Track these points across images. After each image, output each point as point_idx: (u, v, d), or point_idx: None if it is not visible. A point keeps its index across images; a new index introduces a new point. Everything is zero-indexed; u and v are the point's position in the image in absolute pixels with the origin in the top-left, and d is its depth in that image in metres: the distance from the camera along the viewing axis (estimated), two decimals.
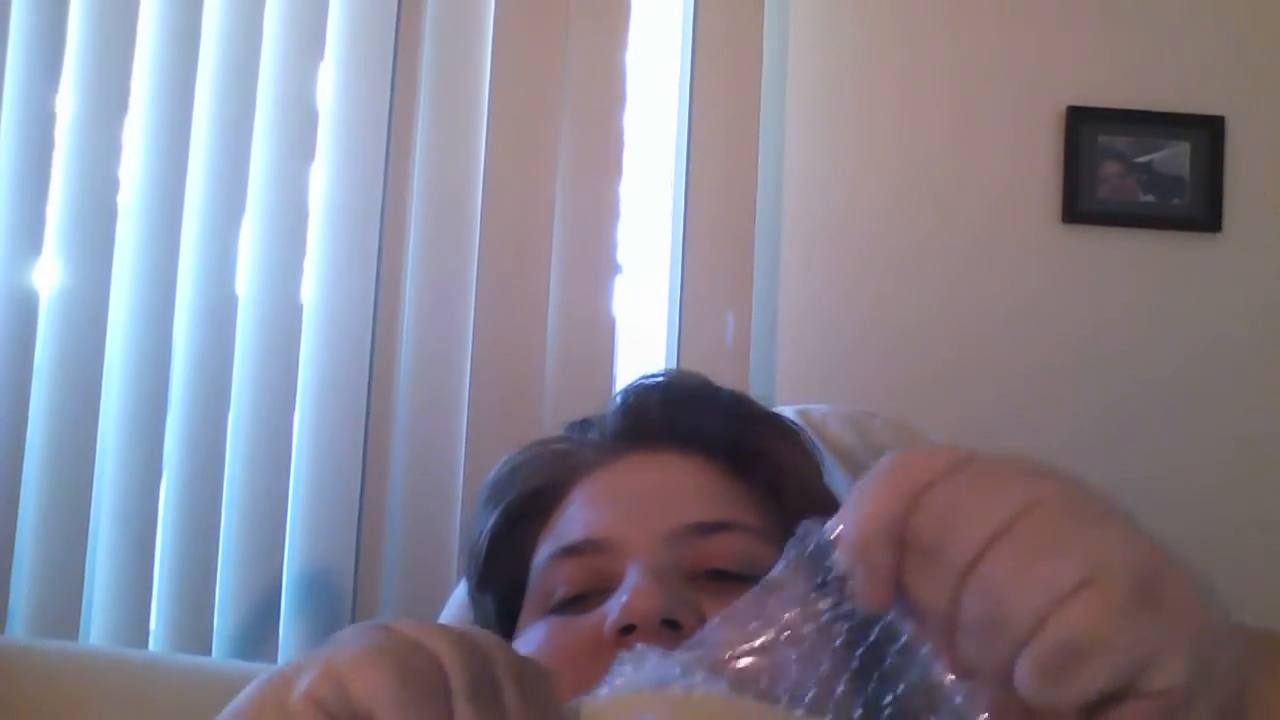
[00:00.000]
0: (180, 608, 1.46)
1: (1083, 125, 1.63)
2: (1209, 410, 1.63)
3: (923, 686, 0.45)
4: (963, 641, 0.42)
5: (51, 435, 1.44)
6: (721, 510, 0.72)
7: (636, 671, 0.49)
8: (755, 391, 1.29)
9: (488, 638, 0.48)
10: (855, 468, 1.19)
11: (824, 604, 0.47)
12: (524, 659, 0.48)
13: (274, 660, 1.46)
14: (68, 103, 1.47)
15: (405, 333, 1.52)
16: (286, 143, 1.52)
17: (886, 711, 0.47)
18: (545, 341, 1.53)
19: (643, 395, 0.81)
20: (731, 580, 0.67)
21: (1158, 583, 0.41)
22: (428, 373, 1.52)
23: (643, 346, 1.60)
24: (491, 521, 0.80)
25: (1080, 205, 1.63)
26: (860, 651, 0.47)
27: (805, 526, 0.49)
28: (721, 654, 0.49)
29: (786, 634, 0.49)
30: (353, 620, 1.48)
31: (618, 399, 0.82)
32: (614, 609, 0.64)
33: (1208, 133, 1.64)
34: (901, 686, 0.46)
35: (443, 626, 0.47)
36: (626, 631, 0.63)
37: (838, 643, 0.48)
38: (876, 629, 0.46)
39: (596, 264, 1.56)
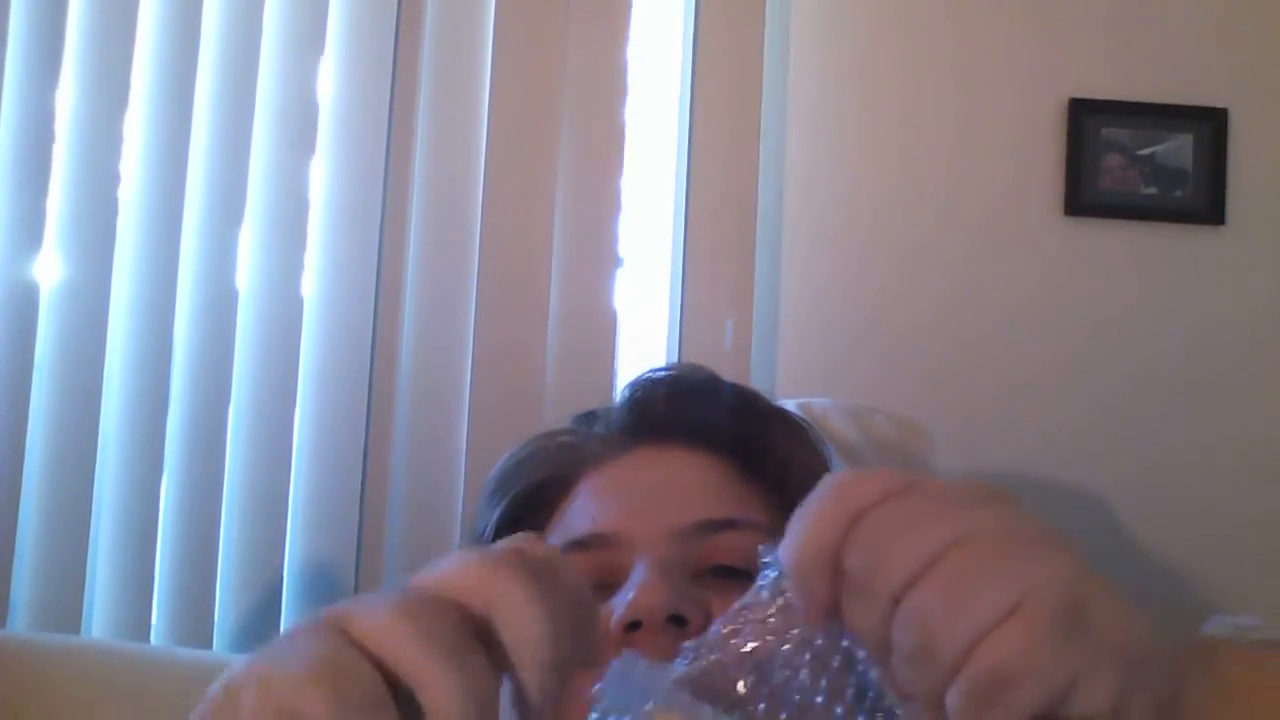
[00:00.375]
0: (181, 601, 1.46)
1: (1085, 117, 1.63)
2: (1211, 403, 1.63)
3: (882, 707, 0.47)
4: (898, 668, 0.43)
5: (52, 429, 1.44)
6: (728, 507, 0.72)
7: (623, 686, 0.49)
8: (756, 386, 1.29)
9: (471, 563, 0.45)
10: (857, 462, 1.19)
11: (788, 629, 0.49)
12: (528, 556, 0.45)
13: None
14: (68, 97, 1.47)
15: (406, 327, 1.52)
16: (287, 137, 1.52)
17: None
18: (546, 336, 1.53)
19: (650, 389, 0.81)
20: (738, 577, 0.67)
21: (1083, 606, 0.42)
22: (428, 367, 1.52)
23: (643, 341, 1.60)
24: (497, 514, 0.80)
25: (1082, 198, 1.63)
26: (824, 681, 0.48)
27: (760, 552, 0.50)
28: (704, 673, 0.50)
29: (762, 656, 0.49)
30: None
31: (625, 392, 0.82)
32: (620, 605, 0.64)
33: (1210, 125, 1.63)
34: (861, 717, 0.47)
35: (394, 597, 0.44)
36: (633, 628, 0.63)
37: (803, 668, 0.49)
38: (839, 654, 0.48)
39: (597, 258, 1.56)
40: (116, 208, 1.47)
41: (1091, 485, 1.59)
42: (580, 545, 0.72)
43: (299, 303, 1.51)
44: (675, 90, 1.62)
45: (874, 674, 0.47)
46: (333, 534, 1.49)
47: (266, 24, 1.51)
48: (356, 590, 1.49)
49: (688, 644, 0.51)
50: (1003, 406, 1.61)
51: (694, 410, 0.79)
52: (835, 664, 0.48)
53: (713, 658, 0.50)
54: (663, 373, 0.84)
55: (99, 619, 1.45)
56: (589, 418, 0.83)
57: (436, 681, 0.41)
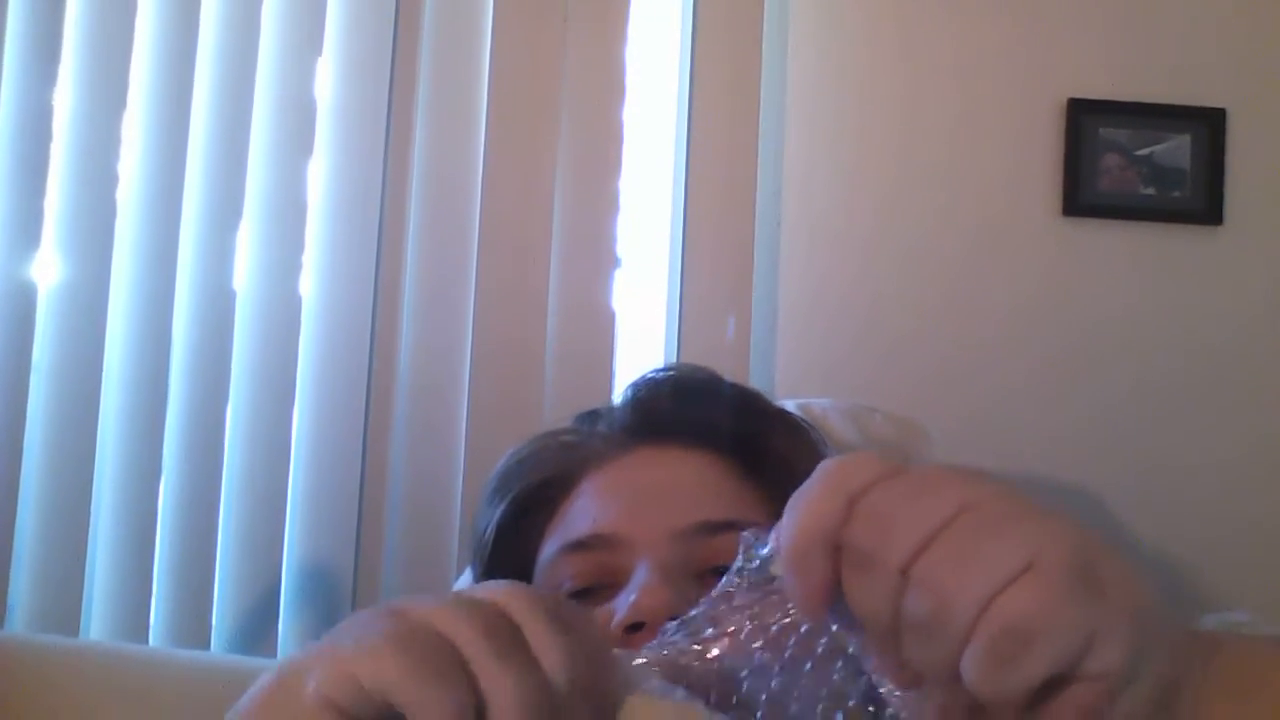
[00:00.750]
0: (180, 602, 1.46)
1: (1083, 117, 1.63)
2: (1209, 403, 1.63)
3: (870, 699, 0.46)
4: (908, 645, 0.42)
5: (51, 430, 1.43)
6: (730, 509, 0.72)
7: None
8: (755, 385, 1.29)
9: (498, 588, 0.47)
10: None
11: (772, 617, 0.48)
12: (545, 596, 0.47)
13: (274, 655, 1.46)
14: (66, 97, 1.47)
15: (405, 326, 1.52)
16: (285, 137, 1.52)
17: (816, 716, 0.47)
18: (545, 335, 1.53)
19: (653, 389, 0.81)
20: None
21: (1095, 567, 0.41)
22: (427, 366, 1.52)
23: (642, 340, 1.60)
24: (498, 513, 0.79)
25: (1081, 198, 1.63)
26: (809, 666, 0.48)
27: (745, 538, 0.49)
28: (676, 662, 0.49)
29: (738, 646, 0.49)
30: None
31: (628, 392, 0.82)
32: (622, 606, 0.64)
33: (1209, 125, 1.63)
34: (852, 701, 0.47)
35: (446, 595, 0.46)
36: (634, 629, 0.63)
37: (786, 655, 0.48)
38: (823, 641, 0.47)
39: (596, 258, 1.56)
40: (115, 207, 1.47)
41: (1089, 485, 1.59)
42: (581, 546, 0.72)
43: (297, 302, 1.51)
44: (674, 90, 1.62)
45: (868, 664, 0.46)
46: (331, 534, 1.48)
47: (265, 24, 1.51)
48: (355, 591, 1.49)
49: (669, 625, 0.50)
50: (1001, 406, 1.61)
51: (696, 410, 0.79)
52: (820, 650, 0.47)
53: (690, 644, 0.49)
54: (665, 373, 0.84)
55: (98, 620, 1.45)
56: (591, 417, 0.83)
57: (497, 669, 0.42)
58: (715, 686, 0.49)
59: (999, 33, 1.65)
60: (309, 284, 1.52)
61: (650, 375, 0.83)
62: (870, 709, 0.46)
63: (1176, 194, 1.63)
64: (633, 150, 1.58)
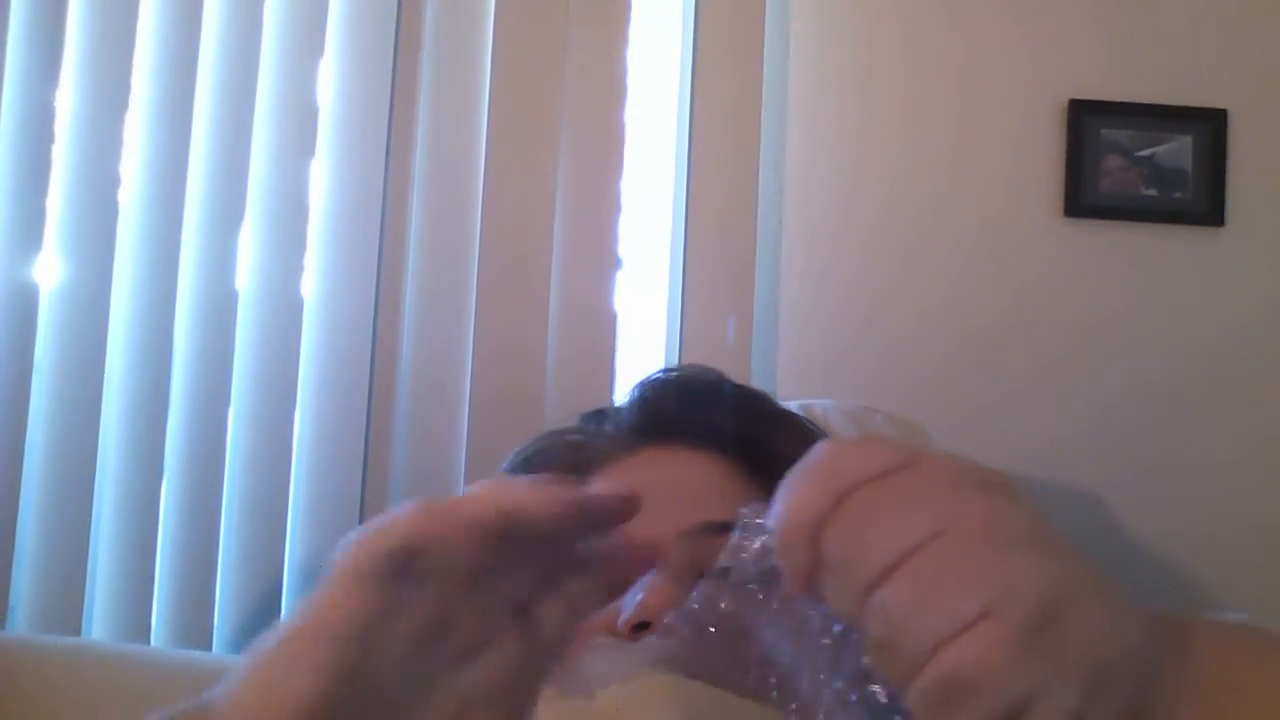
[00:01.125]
0: (181, 603, 1.46)
1: (1085, 118, 1.63)
2: (1210, 404, 1.64)
3: (861, 671, 0.46)
4: (868, 650, 0.43)
5: (52, 431, 1.43)
6: (735, 509, 0.72)
7: (601, 660, 0.50)
8: (757, 386, 1.29)
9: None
10: None
11: (773, 594, 0.49)
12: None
13: None
14: (68, 98, 1.47)
15: (406, 328, 1.52)
16: (287, 138, 1.52)
17: (830, 695, 0.47)
18: (546, 336, 1.53)
19: (659, 389, 0.81)
20: None
21: (1060, 614, 0.41)
22: (429, 367, 1.52)
23: (643, 341, 1.60)
24: None
25: (1082, 199, 1.63)
26: (807, 640, 0.48)
27: (744, 515, 0.50)
28: (677, 641, 0.50)
29: (739, 621, 0.50)
30: None
31: (634, 392, 0.82)
32: (629, 605, 0.64)
33: (1210, 126, 1.64)
34: (875, 686, 0.47)
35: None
36: (641, 628, 0.64)
37: (788, 629, 0.49)
38: (819, 615, 0.48)
39: (597, 259, 1.56)
40: (117, 209, 1.47)
41: (1090, 485, 1.60)
42: None
43: (299, 304, 1.51)
44: (675, 91, 1.62)
45: (854, 637, 0.46)
46: (333, 535, 1.48)
47: (266, 25, 1.51)
48: None
49: (670, 615, 0.50)
50: (1002, 407, 1.61)
51: (702, 411, 0.79)
52: (814, 627, 0.48)
53: (692, 624, 0.50)
54: (672, 373, 0.84)
55: (99, 620, 1.45)
56: (597, 416, 0.83)
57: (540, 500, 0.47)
58: (724, 663, 0.49)
59: (1000, 33, 1.66)
60: (311, 285, 1.52)
61: (657, 375, 0.83)
62: (858, 681, 0.47)
63: (1178, 195, 1.64)
64: (634, 151, 1.58)
